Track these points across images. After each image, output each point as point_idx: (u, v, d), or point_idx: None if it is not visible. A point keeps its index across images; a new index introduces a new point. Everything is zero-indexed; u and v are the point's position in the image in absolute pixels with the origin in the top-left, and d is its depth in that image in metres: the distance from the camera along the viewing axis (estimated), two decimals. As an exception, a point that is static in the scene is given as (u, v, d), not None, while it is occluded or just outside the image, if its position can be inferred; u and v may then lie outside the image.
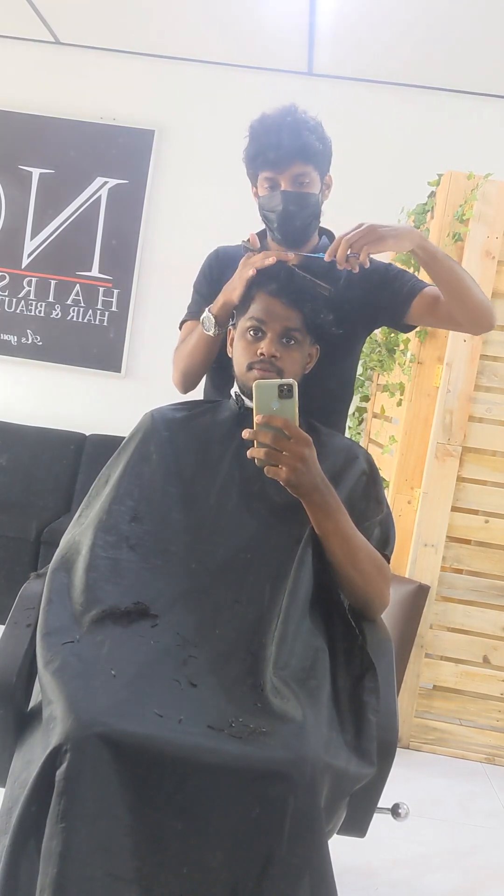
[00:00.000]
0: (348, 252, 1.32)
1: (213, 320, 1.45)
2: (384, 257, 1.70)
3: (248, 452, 1.14)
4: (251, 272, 1.34)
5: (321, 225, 1.54)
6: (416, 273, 1.96)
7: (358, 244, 1.31)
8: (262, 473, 1.14)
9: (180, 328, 1.68)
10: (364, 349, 2.89)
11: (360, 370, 3.04)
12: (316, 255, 1.38)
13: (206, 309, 1.47)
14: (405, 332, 1.61)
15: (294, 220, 1.41)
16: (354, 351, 1.60)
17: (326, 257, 1.34)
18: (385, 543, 1.27)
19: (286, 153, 1.40)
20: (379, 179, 3.06)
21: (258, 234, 1.60)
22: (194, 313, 1.64)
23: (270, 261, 1.34)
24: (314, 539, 1.19)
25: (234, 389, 1.38)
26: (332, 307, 1.36)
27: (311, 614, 1.14)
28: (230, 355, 1.37)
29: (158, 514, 1.24)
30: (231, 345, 1.38)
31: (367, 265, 1.33)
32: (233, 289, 1.39)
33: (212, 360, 1.53)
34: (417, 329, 2.42)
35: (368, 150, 3.10)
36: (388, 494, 2.46)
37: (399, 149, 3.16)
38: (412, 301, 1.49)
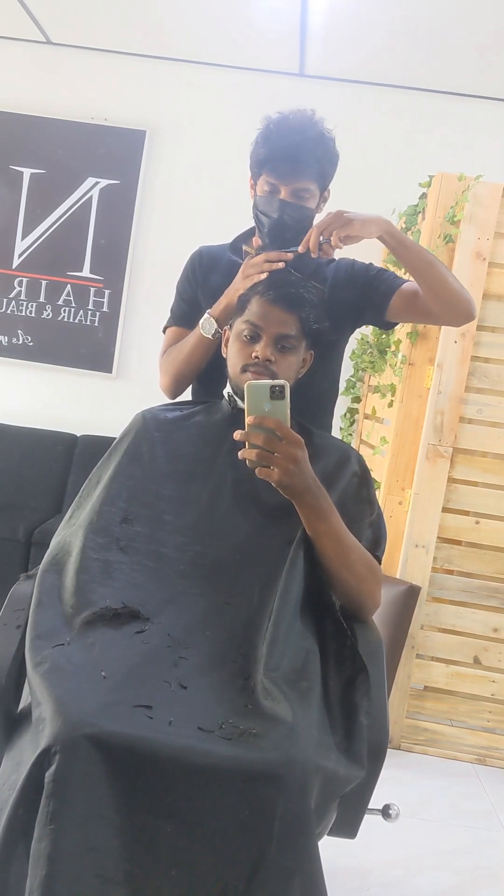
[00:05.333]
0: (321, 239, 1.34)
1: (215, 324, 1.46)
2: (370, 256, 1.71)
3: (239, 453, 1.14)
4: (263, 275, 1.35)
5: None
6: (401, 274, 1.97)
7: (328, 230, 1.34)
8: (255, 475, 1.14)
9: (164, 332, 1.68)
10: (355, 350, 2.91)
11: (351, 371, 3.05)
12: (291, 250, 1.39)
13: (207, 312, 1.48)
14: (387, 329, 1.63)
15: (286, 230, 1.42)
16: (341, 350, 1.61)
17: (301, 248, 1.36)
18: (376, 545, 1.28)
19: (298, 169, 1.41)
20: (370, 181, 3.07)
21: (244, 235, 1.61)
22: (178, 318, 1.65)
23: (280, 264, 1.36)
24: (306, 540, 1.20)
25: (227, 390, 1.38)
26: (325, 311, 1.37)
27: (302, 616, 1.14)
28: (224, 355, 1.38)
29: (150, 515, 1.24)
30: (226, 345, 1.38)
31: (341, 247, 1.35)
32: (236, 290, 1.40)
33: (205, 363, 1.54)
34: (409, 330, 2.44)
35: (359, 151, 3.11)
36: (380, 495, 2.47)
37: (390, 150, 3.17)
38: (391, 298, 1.50)
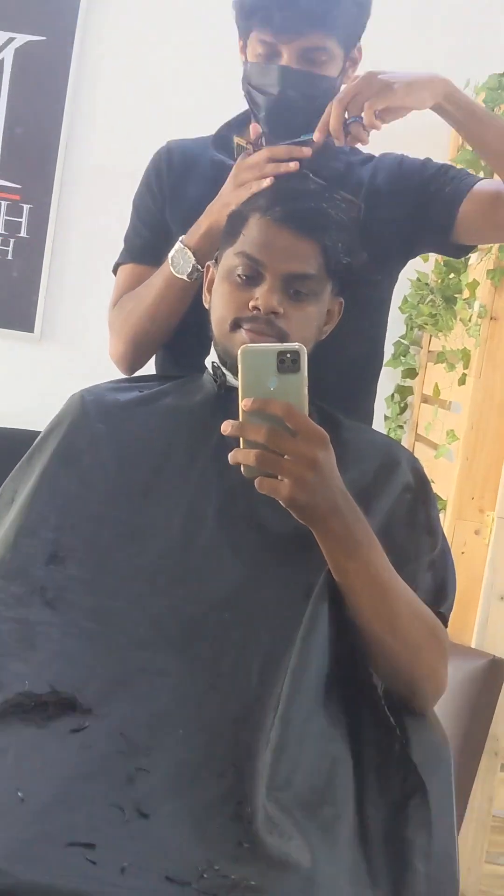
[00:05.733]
0: (346, 118, 1.35)
1: (192, 258, 1.47)
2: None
3: (230, 456, 1.13)
4: (266, 182, 1.36)
5: None
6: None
7: (356, 102, 1.34)
8: (253, 489, 1.14)
9: (115, 273, 1.70)
10: (408, 297, 2.91)
11: (401, 329, 3.05)
12: (304, 139, 1.40)
13: (180, 241, 1.49)
14: (457, 257, 1.66)
15: (293, 112, 1.43)
16: (386, 298, 1.63)
17: (316, 135, 1.37)
18: (440, 596, 1.29)
19: (304, 18, 1.41)
20: (430, 38, 3.08)
21: (235, 123, 1.61)
22: (136, 250, 1.66)
23: (292, 166, 1.37)
24: (332, 590, 1.20)
25: (212, 359, 1.39)
26: (361, 236, 1.38)
27: (325, 706, 1.14)
28: (207, 306, 1.39)
29: (91, 551, 1.25)
30: (209, 290, 1.39)
31: (379, 127, 1.36)
32: (224, 206, 1.41)
33: (179, 318, 1.55)
34: (491, 266, 2.43)
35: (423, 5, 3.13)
36: (445, 520, 2.46)
37: (468, 5, 3.18)
38: (459, 205, 1.51)
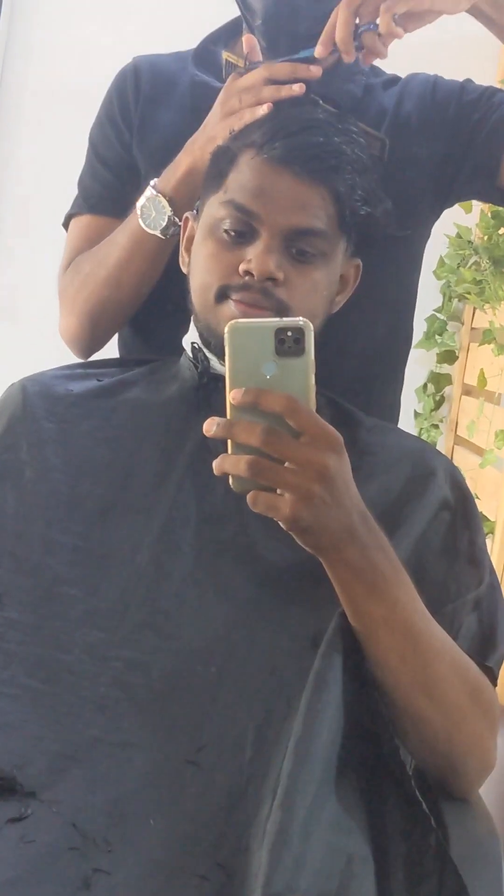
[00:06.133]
0: (358, 24, 1.35)
1: (167, 207, 1.48)
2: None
3: (215, 465, 1.13)
4: (262, 110, 1.36)
5: None
6: None
7: (369, 4, 1.34)
8: (244, 507, 1.13)
9: (67, 227, 1.71)
10: (446, 259, 2.91)
11: (438, 301, 3.05)
12: (302, 56, 1.41)
13: (152, 185, 1.50)
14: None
15: (298, 17, 1.43)
16: (416, 260, 1.64)
17: (319, 50, 1.38)
18: (488, 645, 1.29)
19: None
20: None
21: (222, 33, 1.62)
22: (94, 197, 1.67)
23: (296, 89, 1.36)
24: (346, 638, 1.19)
25: (191, 339, 1.39)
26: (385, 178, 1.39)
27: (338, 788, 1.13)
28: (185, 269, 1.40)
29: (35, 587, 1.25)
30: (187, 249, 1.40)
31: (400, 35, 1.36)
32: (209, 140, 1.42)
33: (150, 286, 1.57)
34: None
35: None
36: (493, 547, 2.47)
37: None
38: None
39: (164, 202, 1.47)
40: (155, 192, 1.48)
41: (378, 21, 1.34)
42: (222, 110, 1.42)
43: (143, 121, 1.61)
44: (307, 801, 1.09)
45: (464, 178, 1.58)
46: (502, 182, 1.54)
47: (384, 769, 1.22)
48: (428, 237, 1.67)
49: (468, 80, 1.60)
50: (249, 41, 1.48)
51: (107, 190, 1.65)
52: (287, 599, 1.23)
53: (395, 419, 1.66)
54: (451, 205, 1.66)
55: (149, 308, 1.58)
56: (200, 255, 1.33)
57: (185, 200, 1.46)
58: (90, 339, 1.64)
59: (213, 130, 1.41)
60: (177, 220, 1.47)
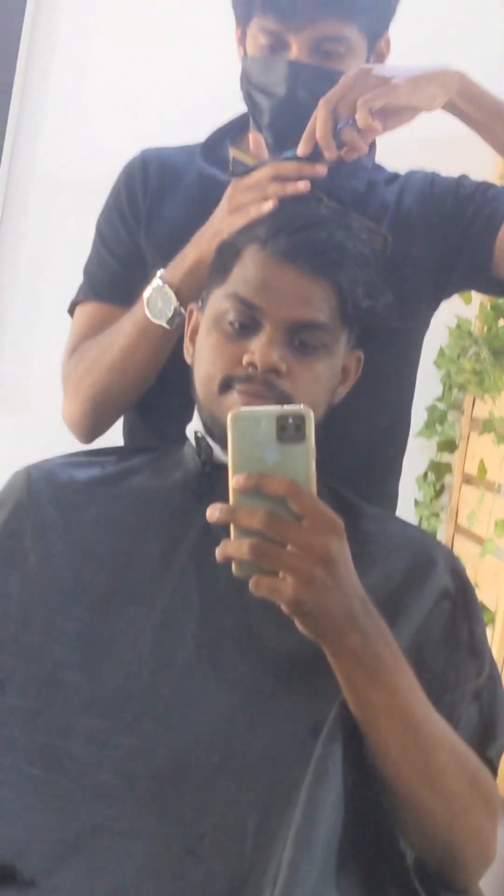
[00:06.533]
0: (336, 121, 1.35)
1: (173, 299, 1.48)
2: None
3: (218, 551, 1.13)
4: (268, 206, 1.36)
5: None
6: None
7: (347, 101, 1.35)
8: (246, 594, 1.13)
9: (72, 314, 1.71)
10: (446, 349, 2.92)
11: (439, 390, 3.06)
12: (286, 156, 1.42)
13: (159, 276, 1.50)
14: (500, 295, 1.65)
15: (303, 116, 1.42)
16: (416, 351, 1.65)
17: (301, 147, 1.38)
18: (488, 736, 1.28)
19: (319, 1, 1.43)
20: (470, 21, 3.16)
21: (229, 130, 1.64)
22: (100, 285, 1.68)
23: (302, 186, 1.37)
24: (347, 726, 1.19)
25: (195, 427, 1.40)
26: (386, 272, 1.40)
27: (338, 879, 1.12)
28: (189, 360, 1.40)
29: (37, 674, 1.25)
30: (192, 340, 1.40)
31: (378, 130, 1.38)
32: (216, 234, 1.42)
33: (155, 375, 1.57)
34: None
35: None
36: (493, 637, 2.45)
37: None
38: (497, 232, 1.53)
39: (171, 293, 1.47)
40: (162, 283, 1.48)
41: (356, 117, 1.35)
42: (229, 206, 1.42)
43: (151, 212, 1.62)
44: (307, 891, 1.08)
45: (460, 273, 1.60)
46: (496, 274, 1.55)
47: (384, 860, 1.20)
48: (427, 328, 1.68)
49: (463, 176, 1.61)
50: (256, 139, 1.50)
51: (113, 278, 1.66)
52: (288, 688, 1.22)
53: (394, 508, 1.66)
54: (449, 296, 1.68)
55: (153, 397, 1.59)
56: (205, 347, 1.34)
57: (191, 292, 1.46)
58: (93, 425, 1.63)
59: (220, 225, 1.42)
60: (182, 310, 1.47)
